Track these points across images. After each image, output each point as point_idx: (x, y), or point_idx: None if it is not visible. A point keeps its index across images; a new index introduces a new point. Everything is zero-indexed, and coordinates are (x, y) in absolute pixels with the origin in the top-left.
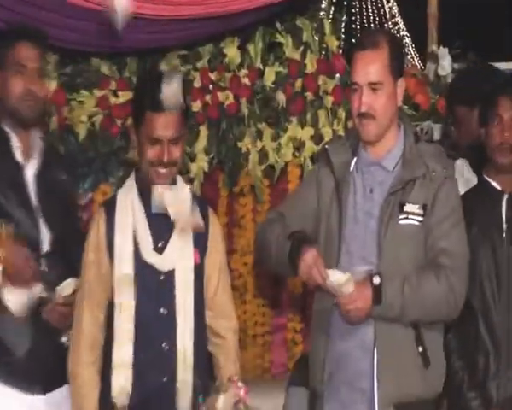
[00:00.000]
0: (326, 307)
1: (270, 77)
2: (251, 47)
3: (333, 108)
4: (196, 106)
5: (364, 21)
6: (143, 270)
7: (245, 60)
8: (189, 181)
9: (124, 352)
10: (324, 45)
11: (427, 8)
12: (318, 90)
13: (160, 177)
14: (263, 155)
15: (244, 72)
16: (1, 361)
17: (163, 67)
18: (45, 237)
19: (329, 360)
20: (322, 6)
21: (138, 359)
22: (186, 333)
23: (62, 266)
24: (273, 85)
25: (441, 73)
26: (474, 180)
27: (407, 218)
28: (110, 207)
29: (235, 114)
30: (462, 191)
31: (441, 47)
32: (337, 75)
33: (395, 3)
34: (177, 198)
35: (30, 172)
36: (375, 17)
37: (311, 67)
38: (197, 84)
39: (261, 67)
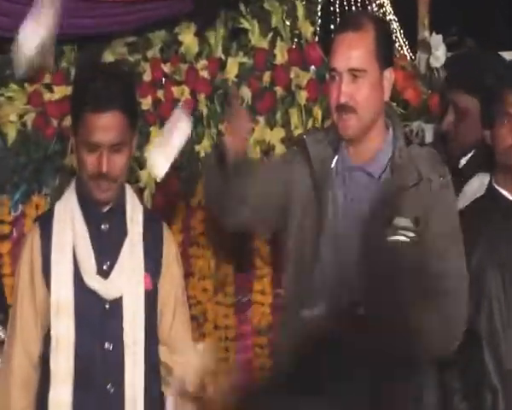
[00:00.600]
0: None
1: (233, 69)
2: (210, 34)
3: (307, 106)
4: (146, 103)
5: (345, 4)
6: (85, 297)
7: (203, 49)
8: (139, 191)
9: (61, 394)
10: (297, 32)
11: None
12: (290, 85)
13: (100, 190)
14: None
15: (202, 63)
16: None
17: (107, 57)
18: None
19: None
20: None
21: (78, 402)
22: (136, 373)
23: None
24: (237, 79)
25: (434, 64)
26: None
27: (396, 233)
28: (46, 222)
29: (192, 112)
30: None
31: (434, 34)
32: (312, 67)
33: None
34: None
35: None
36: None
37: (281, 58)
38: (147, 77)
39: (223, 57)
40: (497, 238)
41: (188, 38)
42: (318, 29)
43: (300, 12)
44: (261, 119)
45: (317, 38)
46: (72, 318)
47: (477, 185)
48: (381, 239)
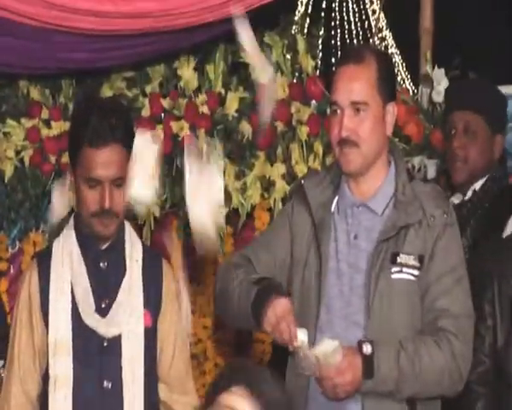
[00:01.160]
0: (301, 376)
1: (233, 104)
2: (210, 68)
3: (308, 141)
4: None
5: (346, 37)
6: (83, 335)
7: (203, 83)
8: (138, 228)
9: None
10: (298, 66)
11: (420, 21)
12: (291, 120)
13: (102, 226)
14: (225, 196)
15: (202, 98)
16: None
17: (105, 91)
18: None
19: None
20: (296, 19)
21: None
22: None
23: None
24: (237, 114)
25: (436, 99)
26: None
27: (401, 271)
28: (44, 259)
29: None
30: None
31: (436, 67)
32: (313, 102)
33: (382, 15)
34: None
35: None
36: (358, 32)
37: (281, 92)
38: (146, 112)
39: (222, 92)
40: None
41: (187, 73)
42: (319, 63)
43: (301, 46)
44: (261, 154)
45: (318, 72)
46: (70, 356)
47: None
48: (385, 277)
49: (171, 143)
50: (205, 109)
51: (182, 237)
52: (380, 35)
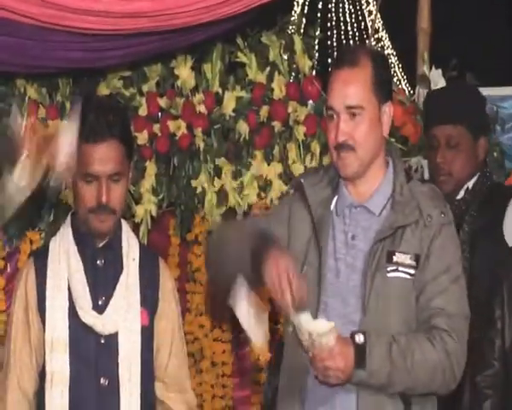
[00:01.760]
0: (300, 365)
1: (230, 103)
2: (207, 68)
3: (305, 141)
4: (142, 138)
5: (342, 37)
6: (80, 332)
7: (200, 83)
8: (135, 227)
9: None
10: (295, 66)
11: (417, 22)
12: (288, 120)
13: (99, 221)
14: (222, 196)
15: (199, 97)
16: None
17: (102, 90)
18: None
19: None
20: (292, 19)
21: None
22: (132, 409)
23: None
24: (234, 114)
25: None
26: None
27: (397, 270)
28: (41, 257)
29: (189, 147)
30: None
31: (433, 68)
32: (310, 102)
33: (379, 16)
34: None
35: None
36: (354, 32)
37: (278, 92)
38: (143, 111)
39: (219, 91)
40: None
41: (184, 72)
42: (316, 63)
43: (298, 46)
44: (259, 154)
45: (314, 72)
46: (67, 353)
47: None
48: (381, 276)
49: (168, 143)
50: (202, 109)
51: (178, 235)
52: (376, 36)
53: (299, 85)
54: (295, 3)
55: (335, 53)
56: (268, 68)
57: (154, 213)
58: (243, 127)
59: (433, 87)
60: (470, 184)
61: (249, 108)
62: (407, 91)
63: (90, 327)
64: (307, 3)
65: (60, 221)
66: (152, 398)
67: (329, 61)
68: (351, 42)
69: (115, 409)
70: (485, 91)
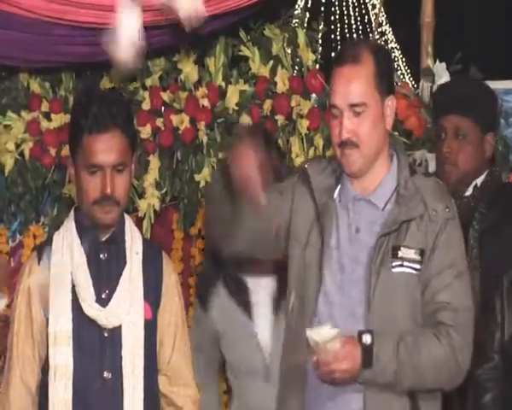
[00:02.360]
0: (301, 362)
1: (233, 97)
2: (210, 61)
3: (308, 135)
4: (145, 132)
5: (346, 31)
6: (83, 325)
7: (203, 77)
8: (138, 221)
9: None
10: (298, 60)
11: (421, 15)
12: (291, 113)
13: (103, 211)
14: None
15: (202, 91)
16: None
17: (105, 84)
18: None
19: None
20: (296, 13)
21: None
22: (135, 403)
23: None
24: (237, 107)
25: None
26: None
27: (402, 265)
28: (44, 251)
29: (192, 141)
30: None
31: (437, 62)
32: (313, 95)
33: (382, 10)
34: None
35: None
36: (358, 26)
37: (282, 86)
38: (146, 105)
39: (223, 85)
40: None
41: (187, 66)
42: (319, 57)
43: (301, 40)
44: None
45: (318, 66)
46: (70, 346)
47: None
48: (386, 271)
49: (171, 137)
50: (205, 102)
51: (181, 230)
52: (380, 29)
53: (302, 79)
54: None
55: (339, 47)
56: (271, 62)
57: (157, 208)
58: (247, 121)
59: (437, 80)
60: (479, 181)
61: (252, 102)
62: (411, 85)
63: (94, 320)
64: None
65: (63, 216)
66: (155, 391)
67: (333, 54)
68: (354, 35)
69: (119, 402)
70: (489, 85)
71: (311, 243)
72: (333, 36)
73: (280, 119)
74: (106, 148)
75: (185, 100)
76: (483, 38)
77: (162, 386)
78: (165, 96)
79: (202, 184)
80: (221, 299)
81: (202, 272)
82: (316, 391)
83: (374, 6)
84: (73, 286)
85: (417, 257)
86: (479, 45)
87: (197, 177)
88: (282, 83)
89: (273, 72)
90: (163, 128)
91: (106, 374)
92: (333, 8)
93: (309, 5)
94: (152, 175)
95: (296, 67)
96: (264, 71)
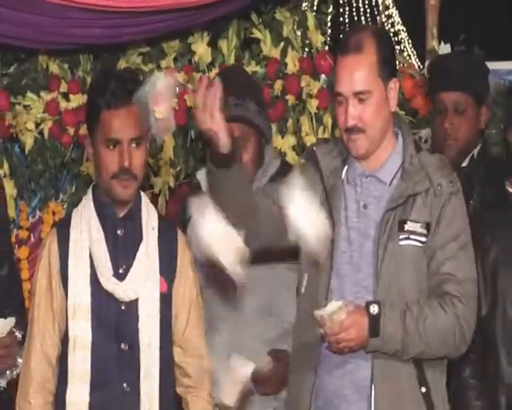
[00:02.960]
0: (314, 337)
1: None
2: (223, 43)
3: (318, 114)
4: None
5: (354, 14)
6: (101, 298)
7: (216, 58)
8: (153, 198)
9: (78, 394)
10: (308, 41)
11: None
12: (301, 93)
13: (122, 186)
14: None
15: (215, 72)
16: None
17: (121, 66)
18: None
19: (317, 401)
20: None
21: (95, 400)
22: (151, 373)
23: None
24: None
25: None
26: None
27: (408, 238)
28: (63, 228)
29: None
30: None
31: (442, 43)
32: (322, 76)
33: None
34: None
35: None
36: (365, 9)
37: (292, 67)
38: None
39: None
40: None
41: (201, 48)
42: (329, 39)
43: (311, 22)
44: (273, 126)
45: (327, 48)
46: (89, 319)
47: None
48: (393, 244)
49: (185, 116)
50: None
51: None
52: (387, 12)
53: (311, 60)
54: None
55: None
56: (282, 44)
57: (171, 185)
58: None
59: None
60: (475, 152)
61: (264, 83)
62: (417, 66)
63: (111, 294)
64: None
65: (81, 193)
66: (170, 362)
67: (341, 36)
68: (362, 18)
69: (135, 372)
70: (493, 65)
71: None
72: (341, 19)
73: (290, 99)
74: (123, 122)
75: (199, 80)
76: (487, 20)
77: (177, 357)
78: (180, 76)
79: None
80: None
81: None
82: (326, 364)
83: None
84: (92, 261)
85: (423, 230)
86: (483, 27)
87: None
88: (292, 64)
89: (284, 53)
90: (177, 108)
91: (123, 346)
92: None
93: None
94: (167, 153)
95: (306, 49)
96: (275, 53)
